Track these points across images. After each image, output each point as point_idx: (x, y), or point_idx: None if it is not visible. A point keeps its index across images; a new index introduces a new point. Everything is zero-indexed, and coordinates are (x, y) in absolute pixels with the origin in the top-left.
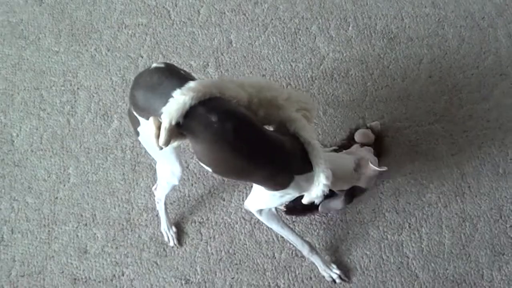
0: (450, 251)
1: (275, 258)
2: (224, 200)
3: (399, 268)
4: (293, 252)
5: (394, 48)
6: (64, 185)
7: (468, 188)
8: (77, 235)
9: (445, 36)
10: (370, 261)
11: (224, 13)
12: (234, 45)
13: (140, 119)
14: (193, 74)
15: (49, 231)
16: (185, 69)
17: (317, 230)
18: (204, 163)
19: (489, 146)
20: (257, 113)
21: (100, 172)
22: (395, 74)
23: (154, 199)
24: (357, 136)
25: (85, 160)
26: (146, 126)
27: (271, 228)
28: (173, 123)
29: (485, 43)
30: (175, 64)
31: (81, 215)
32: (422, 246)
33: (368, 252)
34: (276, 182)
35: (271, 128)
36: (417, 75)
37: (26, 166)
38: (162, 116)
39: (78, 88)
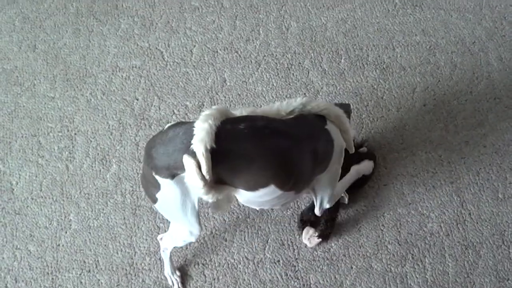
0: (454, 280)
1: None
2: (226, 241)
3: None
4: None
5: (387, 78)
6: (66, 232)
7: (469, 215)
8: (81, 282)
9: (437, 63)
10: None
11: (217, 51)
12: (228, 83)
13: (162, 181)
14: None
15: (52, 278)
16: (180, 110)
17: (321, 266)
18: (262, 185)
19: (487, 172)
20: None
21: (101, 218)
22: (389, 105)
23: (156, 242)
24: None
25: (86, 205)
26: (168, 190)
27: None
28: (208, 147)
29: (477, 68)
30: (171, 104)
31: (84, 262)
32: (427, 276)
33: (372, 286)
34: (326, 146)
35: None
36: (412, 104)
37: (27, 214)
38: (194, 148)
39: (75, 134)
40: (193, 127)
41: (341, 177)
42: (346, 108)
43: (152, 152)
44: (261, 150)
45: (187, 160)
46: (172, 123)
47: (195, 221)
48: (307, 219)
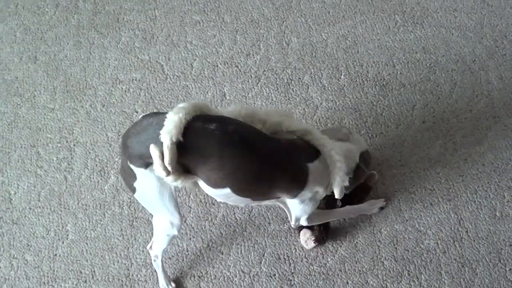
0: None
1: None
2: (222, 254)
3: None
4: None
5: (387, 95)
6: (63, 242)
7: (466, 233)
8: None
9: (437, 81)
10: None
11: (217, 66)
12: (228, 97)
13: (137, 171)
14: None
15: None
16: None
17: (317, 281)
18: (220, 186)
19: (485, 190)
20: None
21: (98, 229)
22: (388, 121)
23: (162, 256)
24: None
25: (83, 216)
26: (144, 178)
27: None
28: (174, 139)
29: (477, 86)
30: None
31: (81, 272)
32: None
33: None
34: (298, 179)
35: None
36: (411, 121)
37: (25, 224)
38: (161, 138)
39: (74, 145)
40: (166, 117)
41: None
42: (365, 158)
43: (128, 142)
44: (221, 153)
45: (152, 150)
46: (147, 113)
47: (174, 209)
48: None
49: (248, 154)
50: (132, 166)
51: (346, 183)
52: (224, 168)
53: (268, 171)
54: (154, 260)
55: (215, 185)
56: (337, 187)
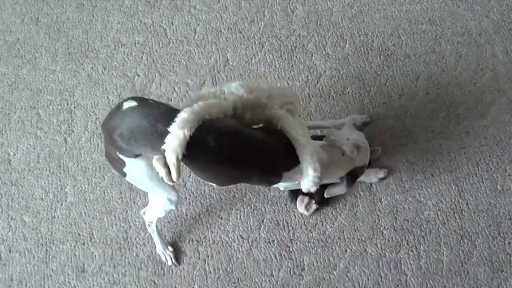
0: (448, 269)
1: (273, 276)
2: (221, 219)
3: (397, 286)
4: (291, 271)
5: (391, 65)
6: (62, 204)
7: (466, 205)
8: (75, 254)
9: (442, 53)
10: (368, 279)
11: (221, 31)
12: (230, 63)
13: (127, 159)
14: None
15: (46, 250)
16: (181, 87)
17: (315, 248)
18: (207, 181)
19: (487, 163)
20: (243, 117)
21: (97, 191)
22: (392, 92)
23: (157, 221)
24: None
25: (82, 179)
26: (132, 164)
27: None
28: (180, 157)
29: (483, 60)
30: (172, 82)
31: (79, 234)
32: (421, 263)
33: (366, 270)
34: (270, 180)
35: (260, 125)
36: (415, 92)
37: (23, 185)
38: (166, 154)
39: (75, 107)
40: (157, 110)
41: None
42: (355, 173)
43: (115, 136)
44: (217, 168)
45: (157, 166)
46: (130, 101)
47: (170, 188)
48: (295, 190)
49: (232, 167)
50: (121, 156)
51: (316, 182)
52: (211, 173)
53: (248, 175)
54: (149, 225)
55: (202, 178)
56: (305, 183)
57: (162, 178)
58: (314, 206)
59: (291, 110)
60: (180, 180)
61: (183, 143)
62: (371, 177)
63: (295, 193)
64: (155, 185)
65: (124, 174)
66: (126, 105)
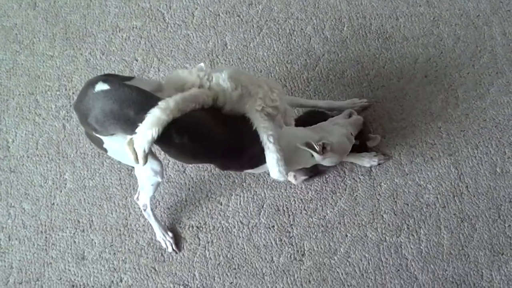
0: (449, 252)
1: (274, 262)
2: (221, 204)
3: (398, 270)
4: (292, 256)
5: (390, 48)
6: (61, 191)
7: (466, 188)
8: (75, 241)
9: (440, 35)
10: (369, 263)
11: (219, 15)
12: (229, 47)
13: (103, 137)
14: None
15: (46, 237)
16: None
17: (316, 233)
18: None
19: (486, 146)
20: (223, 108)
21: (96, 178)
22: (390, 74)
23: (151, 203)
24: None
25: (81, 165)
26: (110, 141)
27: None
28: (147, 151)
29: (481, 41)
30: (170, 66)
31: (78, 221)
32: (421, 247)
33: (366, 255)
34: (233, 170)
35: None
36: (413, 75)
37: (22, 172)
38: (135, 146)
39: (73, 93)
40: (130, 95)
41: None
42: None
43: (89, 119)
44: (184, 156)
45: (127, 150)
46: (101, 84)
47: (151, 158)
48: None
49: (197, 157)
50: (98, 135)
51: (282, 169)
52: (179, 159)
53: (216, 162)
54: (144, 210)
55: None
56: (273, 172)
57: None
58: (302, 177)
59: (270, 114)
60: (180, 167)
61: (150, 141)
62: (363, 162)
63: None
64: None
65: (105, 150)
66: (98, 87)
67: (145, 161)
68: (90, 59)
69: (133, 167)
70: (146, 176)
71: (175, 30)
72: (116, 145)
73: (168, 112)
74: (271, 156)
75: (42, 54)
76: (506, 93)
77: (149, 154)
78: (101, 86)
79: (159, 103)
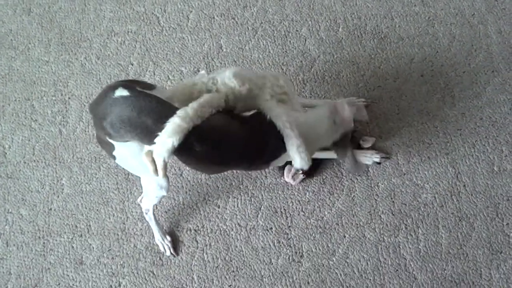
0: (447, 251)
1: (272, 264)
2: (219, 207)
3: (397, 270)
4: (290, 258)
5: (385, 48)
6: (58, 196)
7: (463, 187)
8: (73, 247)
9: (436, 35)
10: (367, 264)
11: (214, 18)
12: (224, 49)
13: (116, 143)
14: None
15: (44, 243)
16: (175, 75)
17: (314, 234)
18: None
19: (483, 144)
20: (235, 107)
21: (93, 182)
22: (386, 74)
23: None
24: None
25: (78, 170)
26: (122, 147)
27: None
28: (167, 161)
29: (476, 40)
30: (166, 70)
31: (76, 226)
32: (419, 247)
33: (365, 255)
34: (259, 168)
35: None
36: (409, 75)
37: (19, 178)
38: (154, 155)
39: (69, 98)
40: (149, 103)
41: None
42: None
43: (105, 124)
44: (205, 163)
45: (146, 161)
46: (121, 89)
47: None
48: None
49: (218, 164)
50: (111, 141)
51: (307, 162)
52: (198, 168)
53: (235, 168)
54: (146, 213)
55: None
56: (297, 162)
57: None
58: (300, 176)
59: (282, 100)
60: (177, 170)
61: (170, 150)
62: (365, 159)
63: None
64: (144, 168)
65: (114, 157)
66: (118, 93)
67: (165, 172)
68: (85, 64)
69: (136, 175)
70: (152, 189)
71: (170, 33)
72: (127, 153)
73: (188, 119)
74: (291, 143)
75: (38, 60)
76: (502, 92)
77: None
78: (121, 92)
79: (177, 112)
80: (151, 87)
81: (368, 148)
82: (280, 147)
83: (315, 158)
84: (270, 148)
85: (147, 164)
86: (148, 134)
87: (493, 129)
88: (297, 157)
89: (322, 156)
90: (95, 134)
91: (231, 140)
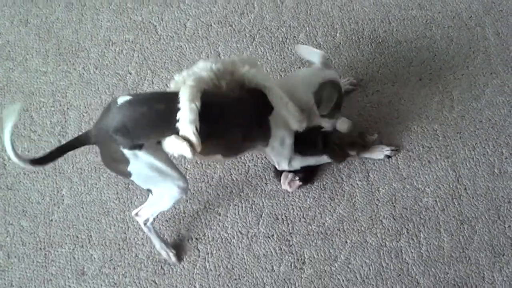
0: (449, 255)
1: (274, 271)
2: (220, 215)
3: (400, 275)
4: (292, 264)
5: (383, 52)
6: (59, 207)
7: (464, 190)
8: (74, 257)
9: (433, 38)
10: (369, 269)
11: (211, 25)
12: (222, 57)
13: (130, 153)
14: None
15: (45, 254)
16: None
17: (315, 241)
18: (214, 153)
19: (483, 147)
20: (221, 86)
21: (94, 192)
22: (385, 79)
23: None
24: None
25: (78, 180)
26: (138, 160)
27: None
28: (198, 127)
29: (474, 43)
30: (164, 78)
31: (77, 237)
32: (422, 251)
33: (367, 261)
34: (263, 133)
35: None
36: (407, 79)
37: (20, 189)
38: (183, 127)
39: (68, 108)
40: (152, 96)
41: None
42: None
43: (117, 137)
44: (215, 131)
45: (177, 144)
46: (122, 97)
47: (179, 174)
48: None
49: (225, 131)
50: (125, 151)
51: (296, 114)
52: (218, 143)
53: (241, 137)
54: (145, 224)
55: (209, 154)
56: (291, 120)
57: (167, 163)
58: (297, 183)
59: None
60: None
61: (197, 113)
62: (376, 154)
63: (280, 170)
64: (162, 175)
65: (129, 174)
66: (120, 100)
67: (200, 143)
68: (83, 74)
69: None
70: (170, 195)
71: (168, 42)
72: (142, 163)
73: (194, 85)
74: (274, 96)
75: (36, 70)
76: (501, 93)
77: (175, 170)
78: (123, 99)
79: (181, 87)
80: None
81: (376, 143)
82: (267, 105)
83: (310, 166)
84: (260, 106)
85: (178, 146)
86: (165, 120)
87: (493, 131)
88: (291, 117)
89: (318, 163)
90: (103, 161)
91: (230, 100)
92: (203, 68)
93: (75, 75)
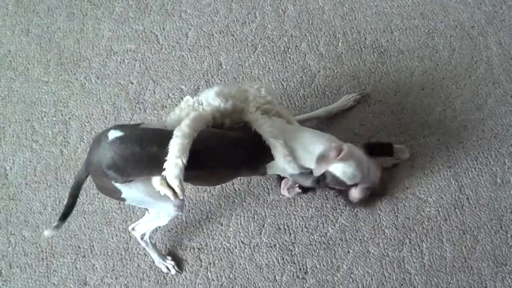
0: (452, 265)
1: (277, 281)
2: (222, 225)
3: (402, 285)
4: (294, 274)
5: (385, 62)
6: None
7: (467, 200)
8: (76, 267)
9: (436, 47)
10: (372, 279)
11: (213, 35)
12: (224, 66)
13: (122, 186)
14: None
15: (47, 264)
16: (175, 93)
17: (317, 251)
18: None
19: (486, 156)
20: (223, 123)
21: (96, 202)
22: (387, 88)
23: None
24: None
25: (80, 190)
26: (130, 190)
27: None
28: (182, 178)
29: (476, 52)
30: (166, 88)
31: (79, 247)
32: (424, 261)
33: (369, 271)
34: (260, 173)
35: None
36: (410, 88)
37: (21, 199)
38: (168, 180)
39: (69, 118)
40: (146, 134)
41: None
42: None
43: (106, 169)
44: (205, 173)
45: (162, 189)
46: (114, 131)
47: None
48: None
49: (215, 172)
50: (116, 185)
51: (292, 164)
52: (201, 182)
53: (233, 174)
54: (141, 239)
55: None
56: (284, 168)
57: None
58: (296, 190)
59: (267, 110)
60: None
61: (182, 169)
62: (385, 162)
63: (282, 176)
64: (157, 199)
65: (124, 200)
66: (111, 135)
67: (183, 192)
68: (85, 84)
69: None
70: (167, 213)
71: (170, 51)
72: (136, 192)
73: (188, 135)
74: (277, 152)
75: (37, 80)
76: (504, 103)
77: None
78: (115, 133)
79: (174, 131)
80: (138, 125)
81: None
82: (267, 156)
83: None
84: (260, 157)
85: (164, 191)
86: (155, 163)
87: (495, 141)
88: (286, 166)
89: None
90: (96, 187)
91: (228, 148)
92: (211, 102)
93: (77, 85)
